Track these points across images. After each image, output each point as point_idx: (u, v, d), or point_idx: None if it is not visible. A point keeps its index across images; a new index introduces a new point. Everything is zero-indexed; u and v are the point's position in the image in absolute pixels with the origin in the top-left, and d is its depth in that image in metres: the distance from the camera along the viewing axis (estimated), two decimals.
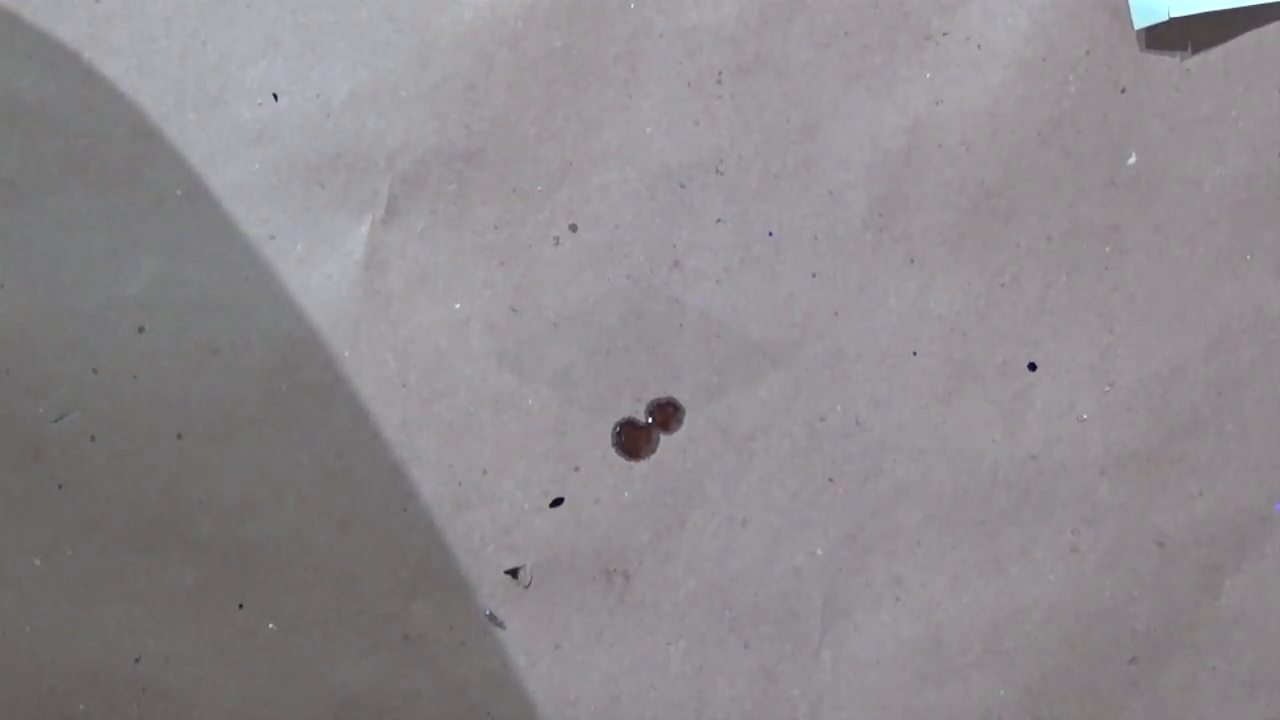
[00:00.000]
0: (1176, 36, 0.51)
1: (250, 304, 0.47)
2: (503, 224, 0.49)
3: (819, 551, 0.52)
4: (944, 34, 0.50)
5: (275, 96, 0.46)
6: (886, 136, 0.50)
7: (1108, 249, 0.52)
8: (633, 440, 0.50)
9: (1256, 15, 0.51)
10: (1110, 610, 0.54)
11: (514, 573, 0.51)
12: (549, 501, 0.50)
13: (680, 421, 0.51)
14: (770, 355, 0.51)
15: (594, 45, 0.49)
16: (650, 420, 0.50)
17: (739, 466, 0.51)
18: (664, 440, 0.51)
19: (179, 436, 0.48)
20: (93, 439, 0.47)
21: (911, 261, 0.51)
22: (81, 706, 0.49)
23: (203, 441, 0.48)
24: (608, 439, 0.50)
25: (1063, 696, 0.54)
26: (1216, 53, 0.51)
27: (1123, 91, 0.51)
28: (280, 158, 0.47)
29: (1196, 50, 0.51)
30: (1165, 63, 0.51)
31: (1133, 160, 0.51)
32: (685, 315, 0.50)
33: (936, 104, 0.50)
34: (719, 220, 0.50)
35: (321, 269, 0.47)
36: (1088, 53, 0.50)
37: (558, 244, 0.49)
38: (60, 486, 0.47)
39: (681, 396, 0.50)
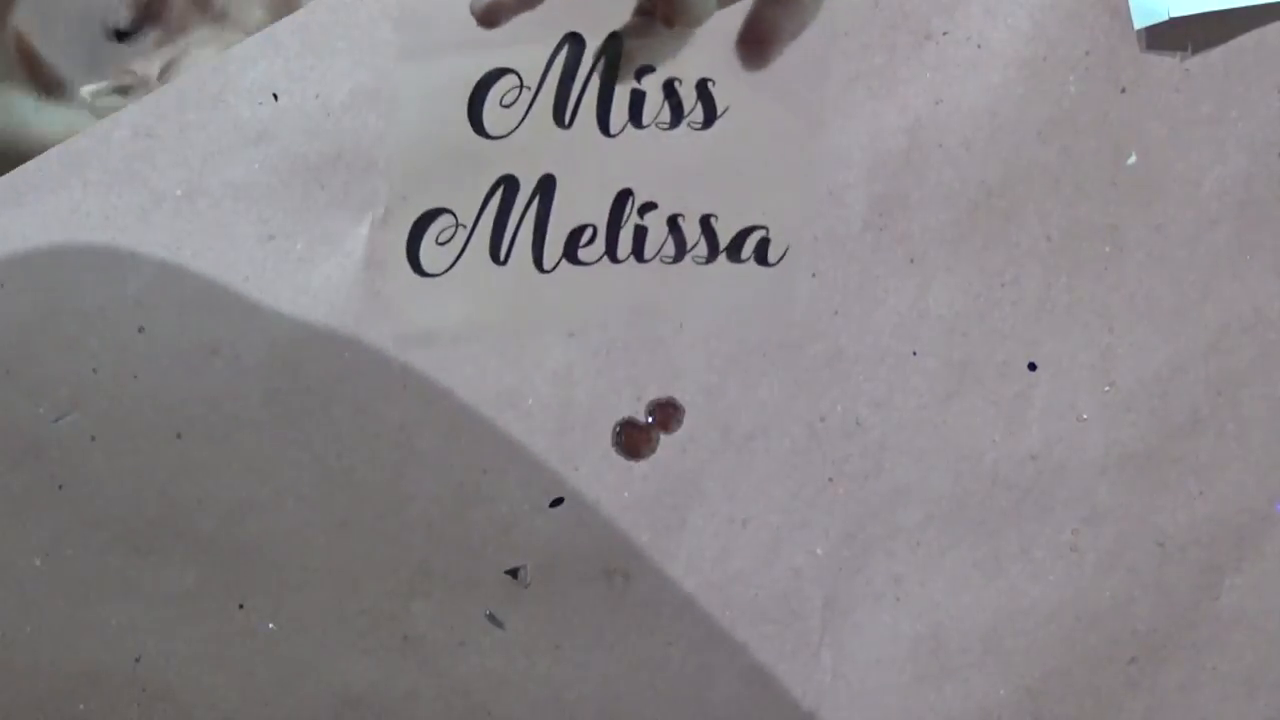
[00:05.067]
0: (1176, 36, 0.51)
1: (250, 304, 0.47)
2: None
3: (819, 551, 0.52)
4: (944, 34, 0.50)
5: (275, 96, 0.46)
6: (886, 136, 0.50)
7: (1108, 249, 0.52)
8: (633, 440, 0.50)
9: (1256, 15, 0.51)
10: (1110, 610, 0.54)
11: (514, 573, 0.51)
12: (549, 501, 0.50)
13: (680, 421, 0.51)
14: (770, 355, 0.51)
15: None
16: (650, 420, 0.50)
17: (739, 466, 0.51)
18: (664, 440, 0.51)
19: (179, 436, 0.48)
20: (93, 439, 0.47)
21: (911, 261, 0.51)
22: (81, 706, 0.49)
23: (203, 441, 0.48)
24: (608, 439, 0.50)
25: (1063, 696, 0.54)
26: (1216, 53, 0.51)
27: (1123, 91, 0.51)
28: (280, 158, 0.47)
29: (1196, 50, 0.51)
30: (1165, 63, 0.51)
31: (1133, 160, 0.51)
32: (685, 315, 0.50)
33: (936, 104, 0.50)
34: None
35: (321, 269, 0.47)
36: (1088, 53, 0.50)
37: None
38: (60, 486, 0.47)
39: (681, 396, 0.50)
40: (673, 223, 0.49)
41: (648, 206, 0.48)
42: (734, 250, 0.49)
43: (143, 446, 0.47)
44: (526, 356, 0.49)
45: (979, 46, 0.50)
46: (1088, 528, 0.53)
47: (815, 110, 0.49)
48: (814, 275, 0.50)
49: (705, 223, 0.49)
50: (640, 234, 0.48)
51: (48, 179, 0.46)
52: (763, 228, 0.49)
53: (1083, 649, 0.54)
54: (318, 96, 0.47)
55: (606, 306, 0.49)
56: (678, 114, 0.48)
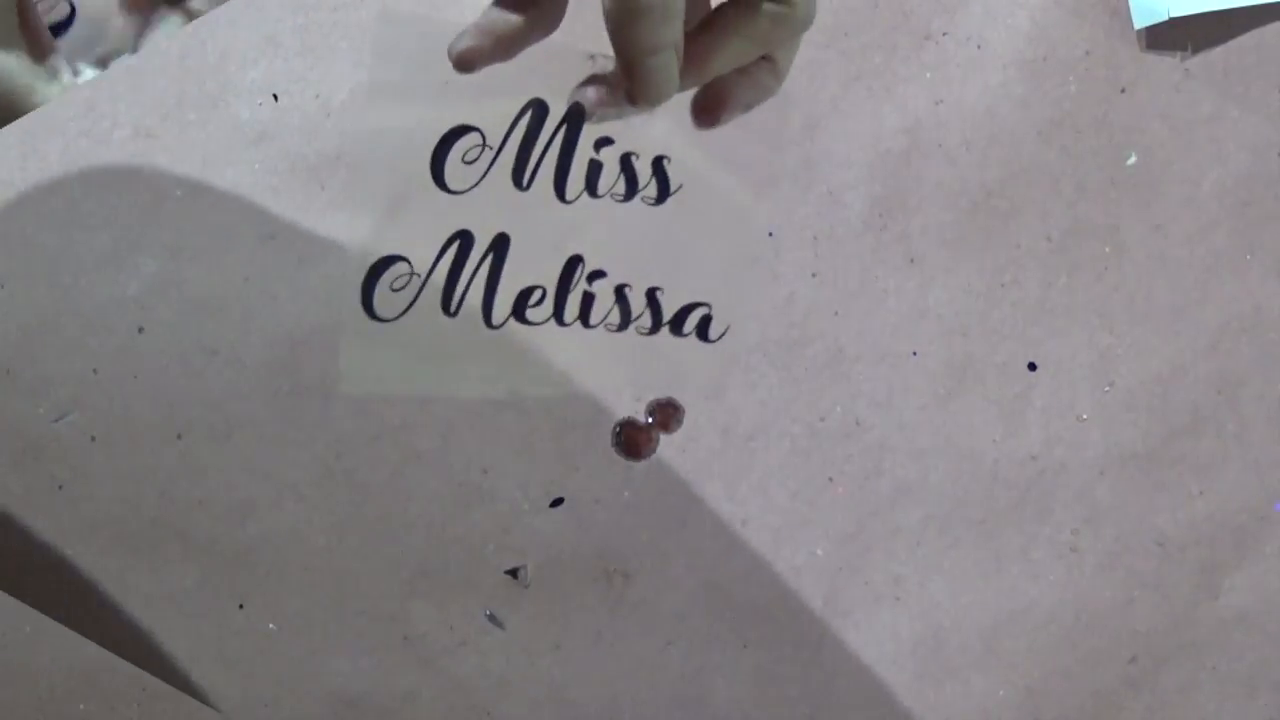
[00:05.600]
0: (1176, 36, 0.51)
1: (250, 304, 0.47)
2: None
3: (819, 551, 0.52)
4: (944, 34, 0.50)
5: (275, 96, 0.46)
6: (886, 136, 0.50)
7: (1108, 249, 0.52)
8: (633, 440, 0.50)
9: (1256, 15, 0.51)
10: (1110, 610, 0.54)
11: (514, 573, 0.51)
12: (549, 501, 0.50)
13: (680, 421, 0.51)
14: (770, 355, 0.51)
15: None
16: (650, 420, 0.50)
17: (739, 466, 0.51)
18: (664, 440, 0.51)
19: (179, 436, 0.48)
20: (93, 439, 0.47)
21: (911, 261, 0.51)
22: (81, 706, 0.49)
23: (203, 441, 0.48)
24: (608, 439, 0.50)
25: (1063, 696, 0.54)
26: (1216, 53, 0.51)
27: (1123, 91, 0.51)
28: (280, 158, 0.47)
29: (1196, 50, 0.51)
30: (1165, 63, 0.51)
31: (1133, 160, 0.51)
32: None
33: (936, 104, 0.50)
34: (720, 220, 0.50)
35: (321, 269, 0.47)
36: (1088, 53, 0.50)
37: (559, 244, 0.49)
38: (60, 486, 0.47)
39: (681, 396, 0.50)
40: (620, 292, 0.49)
41: (597, 274, 0.49)
42: (677, 324, 0.50)
43: (143, 446, 0.47)
44: (527, 356, 0.49)
45: (979, 47, 0.50)
46: (1088, 528, 0.53)
47: (768, 190, 0.49)
48: (814, 275, 0.51)
49: (651, 295, 0.49)
50: (588, 300, 0.49)
51: (48, 179, 0.46)
52: (706, 305, 0.50)
53: (1083, 649, 0.54)
54: (318, 96, 0.47)
55: (551, 367, 0.49)
56: (632, 187, 0.48)
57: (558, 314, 0.49)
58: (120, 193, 0.46)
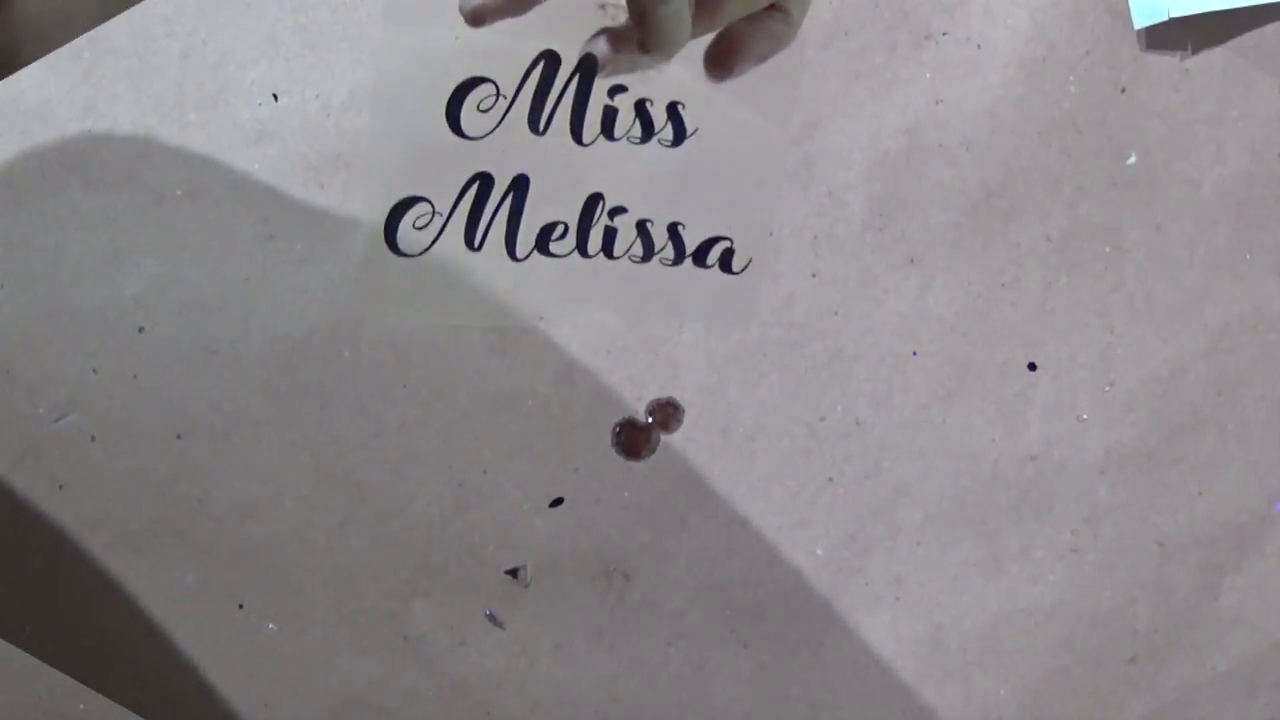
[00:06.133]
0: (1176, 36, 0.51)
1: (250, 304, 0.47)
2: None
3: (819, 551, 0.52)
4: (944, 34, 0.50)
5: (275, 96, 0.46)
6: (886, 136, 0.50)
7: (1108, 249, 0.52)
8: (633, 440, 0.50)
9: (1256, 15, 0.51)
10: (1110, 610, 0.54)
11: (514, 573, 0.51)
12: (549, 501, 0.50)
13: (680, 421, 0.51)
14: (770, 355, 0.51)
15: None
16: (650, 420, 0.50)
17: (739, 466, 0.51)
18: (664, 440, 0.51)
19: (179, 436, 0.48)
20: (93, 439, 0.47)
21: (911, 261, 0.51)
22: (81, 706, 0.49)
23: (203, 441, 0.48)
24: (608, 439, 0.50)
25: (1063, 696, 0.54)
26: (1216, 53, 0.51)
27: (1123, 91, 0.51)
28: (280, 158, 0.47)
29: (1196, 50, 0.51)
30: (1165, 63, 0.51)
31: (1133, 160, 0.51)
32: (685, 315, 0.50)
33: (936, 104, 0.50)
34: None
35: (321, 269, 0.47)
36: (1088, 53, 0.50)
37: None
38: (60, 486, 0.47)
39: (681, 396, 0.50)
40: (641, 227, 0.49)
41: (618, 210, 0.49)
42: (700, 256, 0.50)
43: (143, 446, 0.47)
44: (526, 356, 0.49)
45: (979, 46, 0.50)
46: (1088, 528, 0.53)
47: (785, 129, 0.49)
48: (814, 275, 0.50)
49: (673, 229, 0.49)
50: (610, 234, 0.49)
51: (48, 179, 0.46)
52: (727, 239, 0.50)
53: (1083, 649, 0.54)
54: (318, 96, 0.47)
55: (576, 297, 0.49)
56: (649, 131, 0.48)
57: (581, 247, 0.49)
58: (120, 193, 0.46)
